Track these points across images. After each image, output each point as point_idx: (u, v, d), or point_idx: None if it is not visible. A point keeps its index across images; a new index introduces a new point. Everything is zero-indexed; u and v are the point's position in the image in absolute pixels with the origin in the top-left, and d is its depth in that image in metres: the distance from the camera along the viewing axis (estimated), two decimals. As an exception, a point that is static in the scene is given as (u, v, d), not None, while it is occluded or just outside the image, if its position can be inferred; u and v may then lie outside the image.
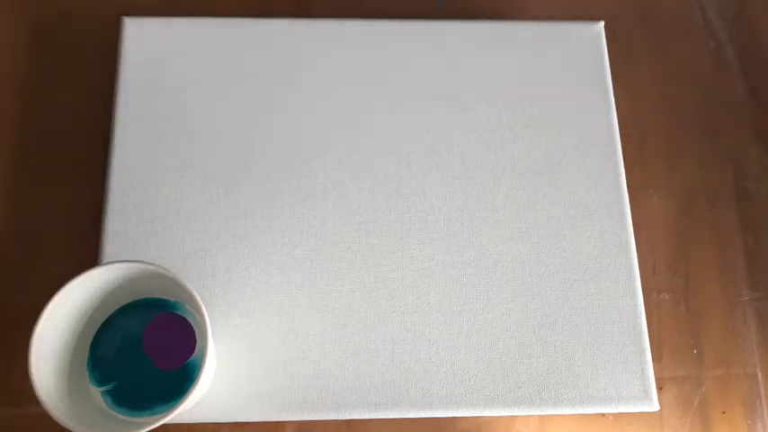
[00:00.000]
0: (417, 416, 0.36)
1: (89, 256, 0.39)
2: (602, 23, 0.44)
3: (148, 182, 0.39)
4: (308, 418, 0.36)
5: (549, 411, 0.37)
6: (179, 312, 0.34)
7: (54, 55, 0.46)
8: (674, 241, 0.45)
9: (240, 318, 0.37)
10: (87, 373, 0.33)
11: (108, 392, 0.33)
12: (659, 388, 0.38)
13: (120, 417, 0.33)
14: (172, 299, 0.35)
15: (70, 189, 0.42)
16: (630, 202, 0.41)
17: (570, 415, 0.40)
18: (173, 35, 0.42)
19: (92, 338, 0.34)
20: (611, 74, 0.43)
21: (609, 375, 0.37)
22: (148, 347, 0.34)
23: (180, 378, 0.33)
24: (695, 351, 0.42)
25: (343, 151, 0.41)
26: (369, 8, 0.48)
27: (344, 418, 0.36)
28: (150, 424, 0.29)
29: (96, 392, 0.33)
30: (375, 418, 0.37)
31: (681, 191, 0.46)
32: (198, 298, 0.31)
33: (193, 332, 0.34)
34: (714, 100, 0.48)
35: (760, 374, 0.42)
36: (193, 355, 0.33)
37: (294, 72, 0.42)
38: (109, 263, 0.31)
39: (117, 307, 0.35)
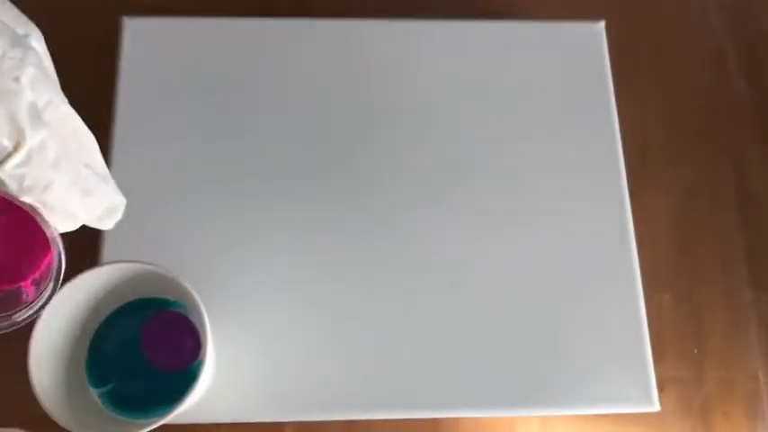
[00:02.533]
0: (418, 416, 0.36)
1: (89, 257, 0.39)
2: (602, 23, 0.44)
3: (148, 182, 0.39)
4: (308, 419, 0.36)
5: (550, 412, 0.37)
6: (179, 311, 0.34)
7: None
8: (675, 241, 0.45)
9: (240, 318, 0.37)
10: (85, 374, 0.33)
11: (105, 394, 0.33)
12: (660, 389, 0.38)
13: (119, 417, 0.33)
14: (172, 299, 0.35)
15: (70, 189, 0.42)
16: (631, 202, 0.41)
17: (571, 416, 0.40)
18: (173, 35, 0.42)
19: (90, 339, 0.34)
20: (612, 73, 0.43)
21: (609, 376, 0.37)
22: (146, 346, 0.34)
23: (179, 379, 0.33)
24: (696, 352, 0.42)
25: (342, 151, 0.41)
26: (369, 8, 0.48)
27: (344, 418, 0.36)
28: (150, 425, 0.29)
29: (95, 394, 0.33)
30: (375, 418, 0.37)
31: (682, 191, 0.46)
32: (197, 298, 0.31)
33: (195, 331, 0.34)
34: (715, 100, 0.48)
35: (761, 375, 0.42)
36: (198, 357, 0.33)
37: (294, 72, 0.42)
38: (108, 263, 0.31)
39: (116, 307, 0.34)
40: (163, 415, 0.29)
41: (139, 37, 0.42)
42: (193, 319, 0.34)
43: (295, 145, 0.41)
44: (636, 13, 0.50)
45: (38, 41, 0.21)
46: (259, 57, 0.42)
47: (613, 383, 0.37)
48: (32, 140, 0.16)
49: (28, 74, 0.17)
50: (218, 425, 0.38)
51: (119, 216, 0.21)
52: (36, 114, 0.17)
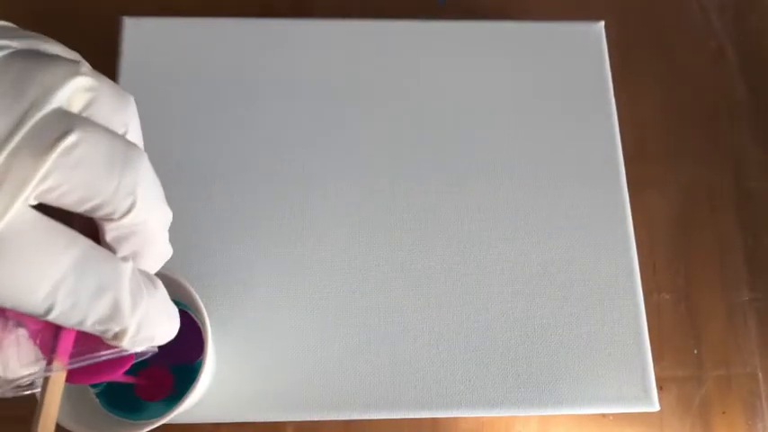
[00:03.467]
0: (417, 416, 0.36)
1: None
2: (602, 23, 0.44)
3: (148, 182, 0.39)
4: (308, 419, 0.36)
5: (550, 412, 0.37)
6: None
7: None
8: (675, 241, 0.45)
9: (240, 318, 0.37)
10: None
11: (101, 393, 0.33)
12: (659, 388, 0.38)
13: (119, 417, 0.33)
14: (172, 298, 0.35)
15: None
16: (631, 202, 0.41)
17: (571, 415, 0.40)
18: (173, 35, 0.42)
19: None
20: (611, 74, 0.43)
21: (609, 376, 0.37)
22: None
23: (178, 378, 0.33)
24: (695, 351, 0.42)
25: (342, 151, 0.41)
26: (369, 8, 0.48)
27: (344, 418, 0.36)
28: (150, 425, 0.29)
29: (93, 393, 0.33)
30: (375, 418, 0.37)
31: (681, 191, 0.46)
32: (198, 298, 0.31)
33: (195, 331, 0.34)
34: (714, 100, 0.48)
35: (760, 374, 0.42)
36: (201, 357, 0.33)
37: (294, 72, 0.42)
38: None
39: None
40: (163, 415, 0.30)
41: (139, 37, 0.42)
42: (194, 315, 0.34)
43: (295, 144, 0.41)
44: (636, 13, 0.50)
45: (136, 129, 0.19)
46: (259, 57, 0.42)
47: (613, 383, 0.37)
48: (136, 318, 0.17)
49: (139, 205, 0.17)
50: (218, 425, 0.38)
51: (161, 263, 0.22)
52: (138, 285, 0.18)
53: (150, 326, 0.18)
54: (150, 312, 0.18)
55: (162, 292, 0.19)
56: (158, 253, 0.20)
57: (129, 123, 0.19)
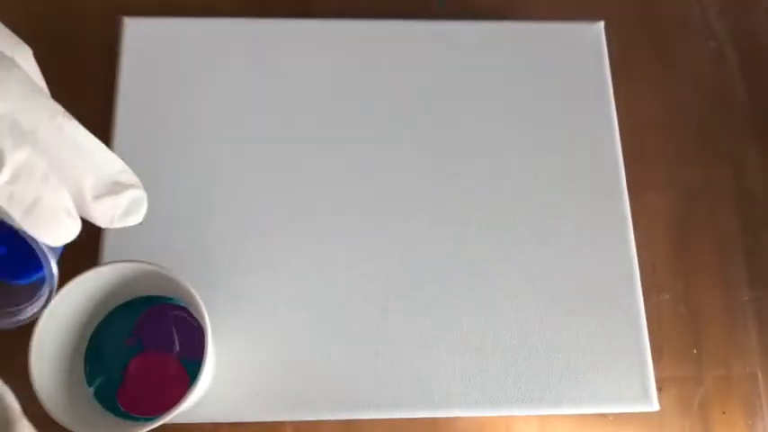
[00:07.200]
0: (417, 416, 0.36)
1: (89, 257, 0.39)
2: (602, 23, 0.44)
3: (148, 182, 0.39)
4: (308, 419, 0.36)
5: (549, 411, 0.37)
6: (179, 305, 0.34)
7: (53, 55, 0.46)
8: (674, 241, 0.45)
9: (240, 318, 0.37)
10: (84, 372, 0.33)
11: (97, 391, 0.33)
12: (659, 388, 0.38)
13: (119, 417, 0.33)
14: (172, 298, 0.35)
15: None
16: (630, 202, 0.41)
17: (570, 415, 0.40)
18: (173, 35, 0.42)
19: (89, 338, 0.34)
20: (611, 74, 0.43)
21: (609, 375, 0.37)
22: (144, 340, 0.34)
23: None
24: (695, 351, 0.42)
25: (342, 151, 0.41)
26: (369, 8, 0.48)
27: (344, 418, 0.36)
28: (150, 425, 0.29)
29: (92, 392, 0.33)
30: (375, 418, 0.37)
31: (681, 191, 0.46)
32: (198, 298, 0.31)
33: (195, 331, 0.34)
34: (714, 100, 0.48)
35: (760, 374, 0.42)
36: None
37: (294, 72, 0.42)
38: (109, 263, 0.31)
39: (115, 306, 0.34)
40: (163, 414, 0.30)
41: (139, 37, 0.42)
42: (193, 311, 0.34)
43: (294, 144, 0.41)
44: (636, 14, 0.50)
45: (25, 60, 0.22)
46: (259, 57, 0.42)
47: (613, 383, 0.37)
48: (15, 159, 0.18)
49: (11, 92, 0.18)
50: (217, 425, 0.38)
51: (141, 210, 0.23)
52: (19, 132, 0.18)
53: (32, 180, 0.18)
54: (34, 164, 0.18)
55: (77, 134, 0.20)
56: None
57: (18, 54, 0.20)
